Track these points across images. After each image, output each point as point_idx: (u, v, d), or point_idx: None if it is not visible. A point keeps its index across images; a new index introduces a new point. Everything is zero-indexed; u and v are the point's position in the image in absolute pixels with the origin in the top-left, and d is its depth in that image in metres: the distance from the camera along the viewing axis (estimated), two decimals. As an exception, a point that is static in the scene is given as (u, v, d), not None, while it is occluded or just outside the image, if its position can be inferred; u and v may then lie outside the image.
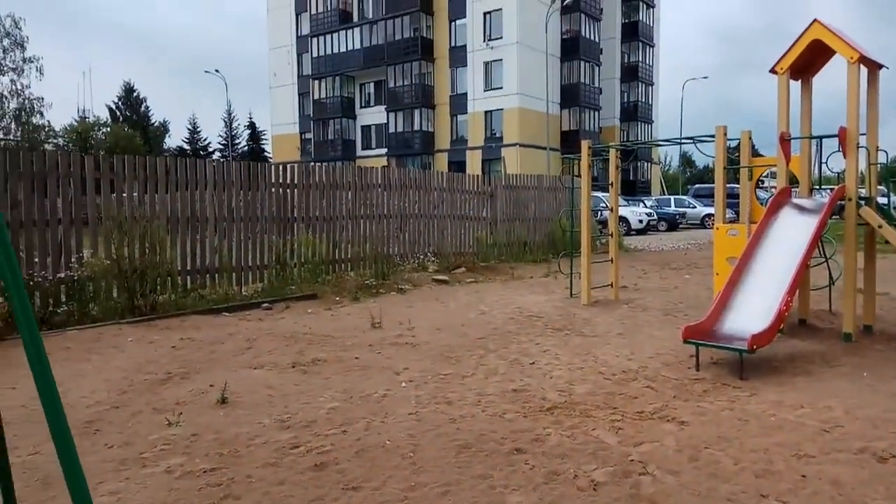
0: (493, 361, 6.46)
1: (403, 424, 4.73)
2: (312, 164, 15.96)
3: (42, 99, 39.24)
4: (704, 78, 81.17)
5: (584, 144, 10.26)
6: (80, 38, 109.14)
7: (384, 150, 54.54)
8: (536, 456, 4.11)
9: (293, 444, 4.40)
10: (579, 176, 11.49)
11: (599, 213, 21.45)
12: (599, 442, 4.33)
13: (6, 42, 36.86)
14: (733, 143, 8.33)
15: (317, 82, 57.66)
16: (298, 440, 4.46)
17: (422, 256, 13.92)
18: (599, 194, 23.02)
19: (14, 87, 37.40)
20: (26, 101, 38.11)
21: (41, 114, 39.59)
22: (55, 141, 44.03)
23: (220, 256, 10.57)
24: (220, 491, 3.72)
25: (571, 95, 51.91)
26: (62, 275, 8.46)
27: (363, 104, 57.39)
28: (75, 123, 48.57)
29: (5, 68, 37.26)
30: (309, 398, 5.38)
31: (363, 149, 56.92)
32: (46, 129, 41.99)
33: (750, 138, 8.14)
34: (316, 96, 57.96)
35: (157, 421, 4.81)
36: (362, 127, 57.34)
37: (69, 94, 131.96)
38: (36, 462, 4.11)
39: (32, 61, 37.73)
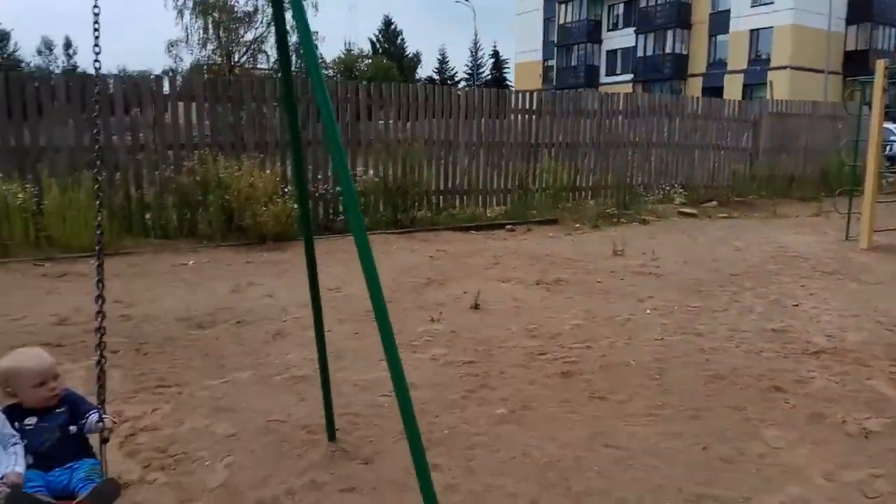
0: (748, 299, 6.07)
1: (649, 348, 4.74)
2: (555, 91, 15.97)
3: (317, 33, 43.77)
4: None
5: (880, 64, 8.75)
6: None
7: (629, 77, 51.77)
8: (798, 396, 3.86)
9: (540, 351, 4.68)
10: (868, 103, 9.90)
11: (888, 147, 18.27)
12: (875, 392, 3.91)
13: (287, -18, 41.41)
14: None
15: (563, 6, 56.10)
16: (545, 349, 4.73)
17: (668, 188, 13.26)
18: (890, 125, 19.52)
19: (293, 22, 42.16)
20: (304, 36, 42.76)
21: (316, 47, 44.28)
22: (326, 72, 49.23)
23: (468, 179, 11.20)
24: (478, 381, 4.13)
25: (862, 9, 43.76)
26: (340, 189, 9.68)
27: (610, 27, 54.66)
28: (342, 56, 53.70)
29: (286, 5, 42.01)
30: (553, 313, 5.61)
31: (607, 75, 54.63)
32: (320, 60, 47.05)
33: None
34: (561, 21, 56.57)
35: (422, 317, 5.41)
36: (607, 52, 54.86)
37: (336, 28, 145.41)
38: (329, 338, 4.88)
39: (308, -2, 42.10)
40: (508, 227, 10.25)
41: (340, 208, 9.69)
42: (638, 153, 13.08)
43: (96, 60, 2.24)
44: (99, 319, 2.04)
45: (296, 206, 8.66)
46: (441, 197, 10.91)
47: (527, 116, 11.93)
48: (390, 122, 10.47)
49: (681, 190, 13.17)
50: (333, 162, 2.16)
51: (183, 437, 3.38)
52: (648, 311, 5.68)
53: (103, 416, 2.06)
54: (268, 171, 8.80)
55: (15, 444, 2.01)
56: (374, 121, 10.35)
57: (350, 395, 3.91)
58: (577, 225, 10.58)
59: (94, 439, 2.26)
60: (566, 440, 3.41)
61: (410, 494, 2.90)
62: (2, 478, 1.85)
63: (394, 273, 6.98)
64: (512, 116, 11.83)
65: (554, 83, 56.61)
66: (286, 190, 8.84)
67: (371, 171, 10.08)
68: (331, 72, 50.85)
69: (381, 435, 3.45)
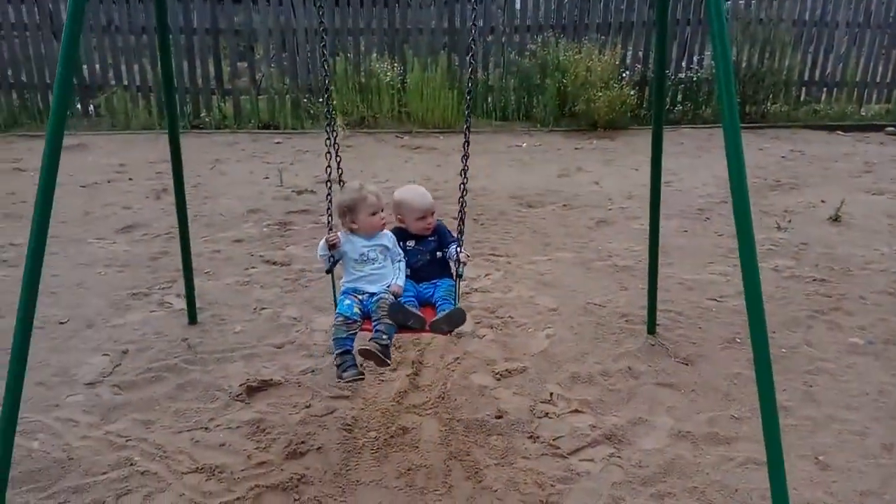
0: None
1: None
2: None
3: None
4: None
5: None
6: None
7: None
8: None
9: (920, 280, 3.83)
10: None
11: None
12: None
13: None
14: None
15: None
16: (928, 279, 3.85)
17: None
18: None
19: None
20: None
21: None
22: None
23: (844, 68, 9.32)
24: (830, 302, 3.57)
25: None
26: (682, 75, 8.90)
27: None
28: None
29: None
30: (945, 239, 4.51)
31: None
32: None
33: None
34: None
35: (765, 223, 4.82)
36: None
37: None
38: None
39: None
40: (889, 129, 8.41)
41: (679, 97, 8.96)
42: None
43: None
44: (462, 174, 2.38)
45: (632, 92, 8.29)
46: (804, 89, 9.34)
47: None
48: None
49: None
50: (713, 42, 1.86)
51: (509, 302, 3.61)
52: None
53: (459, 250, 2.44)
54: (606, 56, 8.48)
55: (400, 261, 2.54)
56: (733, -2, 9.09)
57: (674, 292, 3.72)
58: None
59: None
60: (945, 390, 2.78)
61: (733, 405, 2.70)
62: (388, 286, 2.42)
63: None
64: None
65: None
66: (624, 75, 8.45)
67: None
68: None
69: (704, 338, 3.24)
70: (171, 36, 8.15)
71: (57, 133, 1.83)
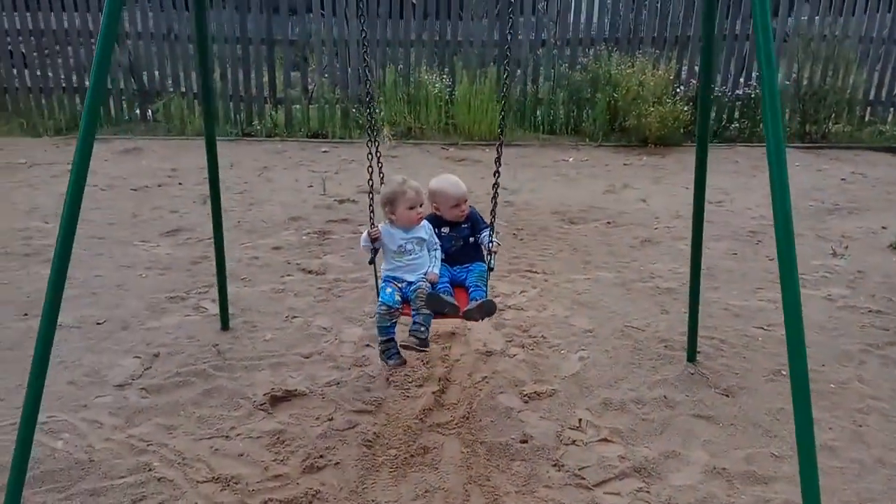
0: None
1: None
2: None
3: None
4: None
5: None
6: None
7: None
8: None
9: None
10: None
11: None
12: None
13: None
14: None
15: None
16: None
17: None
18: None
19: None
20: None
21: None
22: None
23: (915, 87, 8.85)
24: (887, 336, 3.35)
25: None
26: (740, 92, 8.62)
27: None
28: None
29: None
30: None
31: None
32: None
33: None
34: None
35: (820, 249, 4.59)
36: None
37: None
38: (703, 255, 4.50)
39: None
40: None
41: (736, 114, 8.68)
42: None
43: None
44: (495, 185, 2.54)
45: (686, 108, 8.06)
46: (868, 108, 8.92)
47: None
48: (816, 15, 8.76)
49: None
50: (759, 58, 1.77)
51: (543, 322, 3.52)
52: None
53: (491, 240, 2.62)
54: (660, 71, 8.28)
55: (436, 249, 2.71)
56: (797, 14, 8.76)
57: (719, 318, 3.56)
58: None
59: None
60: None
61: (774, 442, 2.55)
62: (425, 274, 2.61)
63: (791, 193, 6.01)
64: None
65: None
66: (678, 90, 8.24)
67: (781, 73, 8.70)
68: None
69: (748, 369, 3.08)
70: (226, 45, 8.43)
71: (88, 133, 1.85)
